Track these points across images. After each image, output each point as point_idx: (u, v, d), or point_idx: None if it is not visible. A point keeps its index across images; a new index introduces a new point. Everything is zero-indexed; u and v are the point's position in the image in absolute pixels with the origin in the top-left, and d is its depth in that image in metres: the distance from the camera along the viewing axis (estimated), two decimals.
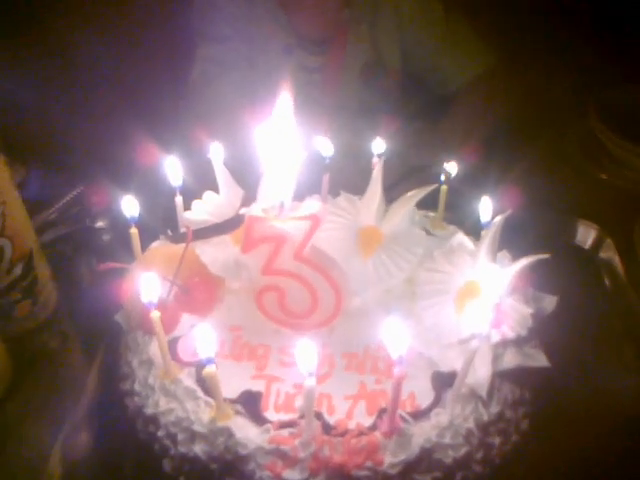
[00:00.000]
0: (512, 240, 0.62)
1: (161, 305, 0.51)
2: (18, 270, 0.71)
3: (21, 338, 0.74)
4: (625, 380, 0.68)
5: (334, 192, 0.68)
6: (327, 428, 0.49)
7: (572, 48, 1.14)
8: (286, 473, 0.46)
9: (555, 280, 0.69)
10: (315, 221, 0.51)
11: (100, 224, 0.88)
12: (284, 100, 0.51)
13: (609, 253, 0.83)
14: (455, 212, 0.69)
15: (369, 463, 0.46)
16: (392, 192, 0.64)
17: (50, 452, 0.62)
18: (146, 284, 0.51)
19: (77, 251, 0.85)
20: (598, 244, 0.84)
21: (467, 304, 0.53)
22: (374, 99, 1.11)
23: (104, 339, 0.69)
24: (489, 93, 1.05)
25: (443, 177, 0.66)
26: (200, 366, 0.50)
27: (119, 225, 0.83)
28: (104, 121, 0.96)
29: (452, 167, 0.65)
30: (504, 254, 0.60)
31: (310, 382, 0.44)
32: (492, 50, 1.08)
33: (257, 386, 0.52)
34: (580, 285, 0.78)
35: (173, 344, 0.55)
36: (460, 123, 1.01)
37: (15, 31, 1.03)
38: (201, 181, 0.64)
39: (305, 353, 0.44)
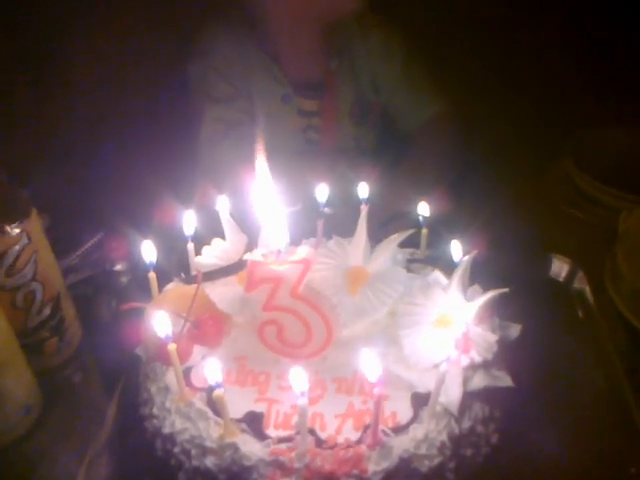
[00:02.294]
0: (492, 274, 0.70)
1: (176, 338, 0.60)
2: (47, 311, 0.79)
3: (48, 372, 0.82)
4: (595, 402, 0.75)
5: (328, 235, 0.77)
6: (319, 442, 0.56)
7: (547, 92, 1.24)
8: None
9: (532, 309, 0.78)
10: (306, 264, 0.60)
11: (118, 268, 0.96)
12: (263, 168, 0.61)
13: (581, 285, 0.90)
14: (435, 250, 0.78)
15: (355, 471, 0.54)
16: (378, 235, 0.73)
17: (76, 476, 0.69)
18: (162, 321, 0.59)
19: (98, 292, 0.92)
20: (571, 277, 0.91)
21: (440, 333, 0.61)
22: (366, 136, 1.21)
23: (123, 371, 0.77)
24: (445, 134, 1.16)
25: (422, 220, 0.75)
26: (210, 391, 0.59)
27: (135, 268, 0.92)
28: (124, 173, 1.06)
29: (424, 208, 0.74)
30: (475, 288, 0.68)
31: (303, 401, 0.52)
32: (446, 94, 1.18)
33: (259, 408, 0.60)
34: (555, 314, 0.86)
35: (186, 372, 0.63)
36: (417, 164, 1.11)
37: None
38: (210, 229, 0.73)
39: (297, 378, 0.52)
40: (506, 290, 0.62)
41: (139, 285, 0.75)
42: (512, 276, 0.83)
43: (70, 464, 0.70)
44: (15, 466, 0.72)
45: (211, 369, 0.54)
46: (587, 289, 0.89)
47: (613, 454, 0.66)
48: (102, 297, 0.92)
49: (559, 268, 0.93)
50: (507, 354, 0.64)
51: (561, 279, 0.92)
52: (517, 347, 0.67)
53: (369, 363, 0.53)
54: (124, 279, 0.96)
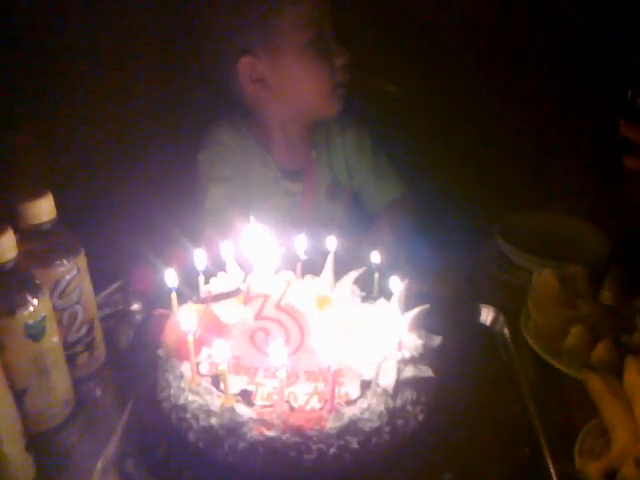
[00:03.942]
0: (435, 320, 0.92)
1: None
2: (84, 330, 1.00)
3: (78, 381, 1.02)
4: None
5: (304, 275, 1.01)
6: (292, 408, 0.78)
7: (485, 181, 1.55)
8: (267, 433, 0.75)
9: (463, 347, 1.01)
10: (287, 284, 0.85)
11: (135, 307, 1.20)
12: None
13: (502, 328, 1.13)
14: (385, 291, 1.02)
15: (317, 427, 0.75)
16: (340, 273, 0.99)
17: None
18: (186, 315, 0.82)
19: (118, 325, 1.15)
20: (495, 321, 1.15)
21: (382, 338, 0.85)
22: (339, 212, 1.48)
23: (138, 379, 0.97)
24: (403, 213, 1.45)
25: (374, 266, 1.01)
26: (214, 376, 0.81)
27: (148, 308, 1.15)
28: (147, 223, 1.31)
29: (376, 256, 1.00)
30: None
31: (282, 373, 0.75)
32: (404, 181, 1.49)
33: (250, 387, 0.82)
34: (481, 351, 1.09)
35: (197, 364, 0.86)
36: (382, 234, 1.40)
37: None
38: (216, 266, 0.98)
39: (277, 351, 0.75)
40: (426, 306, 0.86)
41: (150, 322, 0.99)
42: (455, 321, 1.08)
43: (93, 453, 0.86)
44: (51, 449, 0.90)
45: (219, 348, 0.77)
46: (507, 331, 1.12)
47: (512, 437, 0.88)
48: (122, 329, 1.14)
49: (486, 315, 1.16)
50: (431, 357, 0.87)
51: (487, 323, 1.15)
52: (442, 357, 0.91)
53: (328, 350, 0.76)
54: (139, 317, 1.18)
